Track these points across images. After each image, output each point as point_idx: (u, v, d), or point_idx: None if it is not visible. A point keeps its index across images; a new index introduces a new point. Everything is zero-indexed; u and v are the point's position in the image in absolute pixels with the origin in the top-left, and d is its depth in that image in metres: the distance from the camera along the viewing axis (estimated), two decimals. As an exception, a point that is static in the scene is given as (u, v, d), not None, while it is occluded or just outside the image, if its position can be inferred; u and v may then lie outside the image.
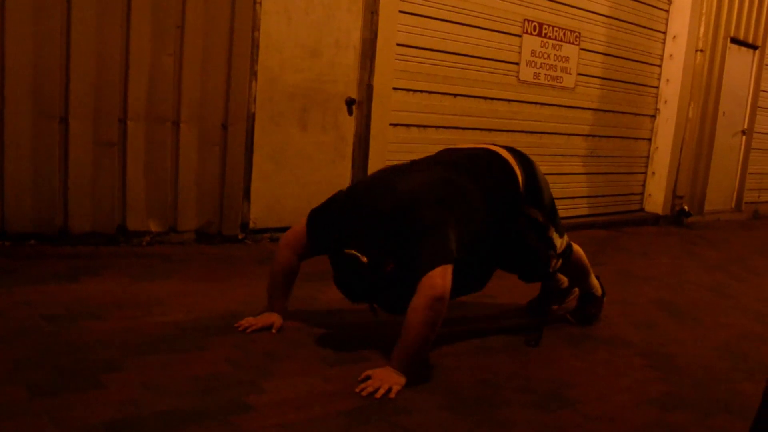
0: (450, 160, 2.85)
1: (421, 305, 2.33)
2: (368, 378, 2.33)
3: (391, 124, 4.86)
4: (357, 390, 2.28)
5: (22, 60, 3.50)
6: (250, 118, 4.24)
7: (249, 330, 2.70)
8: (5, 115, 3.49)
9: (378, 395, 2.25)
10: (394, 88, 4.84)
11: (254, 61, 4.21)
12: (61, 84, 3.61)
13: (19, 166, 3.56)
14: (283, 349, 2.59)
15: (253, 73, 4.21)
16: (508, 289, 3.59)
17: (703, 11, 7.10)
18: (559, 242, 3.02)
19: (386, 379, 2.31)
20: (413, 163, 2.88)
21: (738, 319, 3.86)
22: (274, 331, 2.72)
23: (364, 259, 2.42)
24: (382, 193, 2.58)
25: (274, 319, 2.76)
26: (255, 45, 4.19)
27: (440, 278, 2.34)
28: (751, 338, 3.51)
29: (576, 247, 3.20)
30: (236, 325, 2.73)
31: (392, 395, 2.26)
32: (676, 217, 7.45)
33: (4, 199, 3.55)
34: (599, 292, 3.41)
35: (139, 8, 3.77)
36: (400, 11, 4.80)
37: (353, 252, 2.43)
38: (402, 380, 2.34)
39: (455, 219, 2.50)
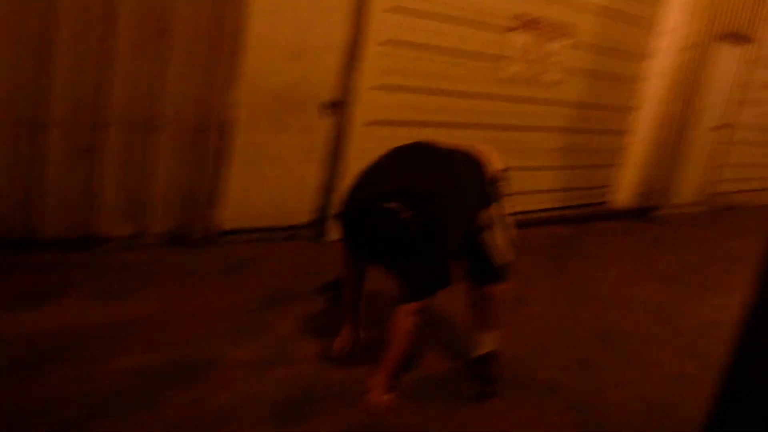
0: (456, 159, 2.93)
1: (402, 323, 2.69)
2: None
3: (369, 123, 4.88)
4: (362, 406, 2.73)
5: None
6: (229, 122, 4.27)
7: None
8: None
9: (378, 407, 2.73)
10: (375, 87, 4.83)
11: (237, 64, 4.20)
12: (38, 88, 3.59)
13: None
14: (234, 406, 2.73)
15: (235, 77, 4.21)
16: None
17: (695, 6, 7.04)
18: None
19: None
20: (422, 152, 2.89)
21: (672, 356, 3.99)
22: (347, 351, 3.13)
23: (407, 215, 2.45)
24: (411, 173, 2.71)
25: (348, 339, 3.14)
26: (239, 47, 4.17)
27: (421, 304, 2.69)
28: (682, 381, 3.63)
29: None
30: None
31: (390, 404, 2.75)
32: (640, 212, 7.58)
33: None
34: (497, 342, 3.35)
35: (121, 10, 3.71)
36: (387, 9, 4.72)
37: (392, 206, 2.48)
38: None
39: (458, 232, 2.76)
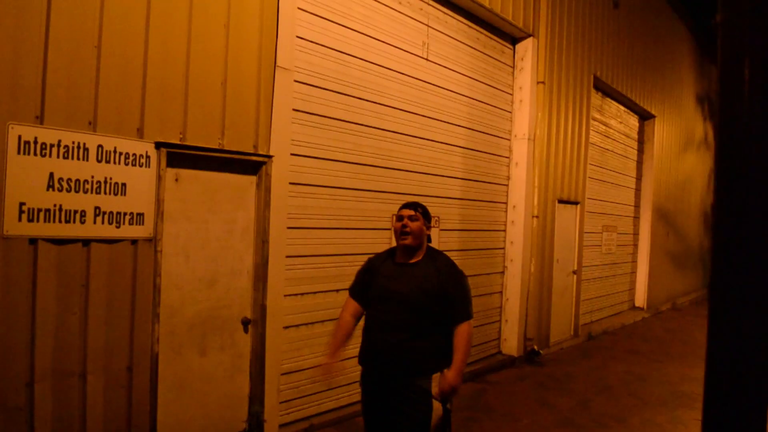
0: None
1: (465, 331, 3.74)
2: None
3: (285, 328, 5.38)
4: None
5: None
6: (154, 356, 4.55)
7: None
8: None
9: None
10: (286, 296, 5.39)
11: (156, 304, 4.54)
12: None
13: None
14: None
15: (156, 315, 4.55)
16: None
17: (535, 184, 8.52)
18: None
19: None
20: None
21: None
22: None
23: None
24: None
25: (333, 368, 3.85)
26: (156, 289, 4.54)
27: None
28: None
29: None
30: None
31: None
32: (528, 357, 8.51)
33: None
34: None
35: (44, 270, 4.01)
36: (289, 227, 5.40)
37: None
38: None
39: None
